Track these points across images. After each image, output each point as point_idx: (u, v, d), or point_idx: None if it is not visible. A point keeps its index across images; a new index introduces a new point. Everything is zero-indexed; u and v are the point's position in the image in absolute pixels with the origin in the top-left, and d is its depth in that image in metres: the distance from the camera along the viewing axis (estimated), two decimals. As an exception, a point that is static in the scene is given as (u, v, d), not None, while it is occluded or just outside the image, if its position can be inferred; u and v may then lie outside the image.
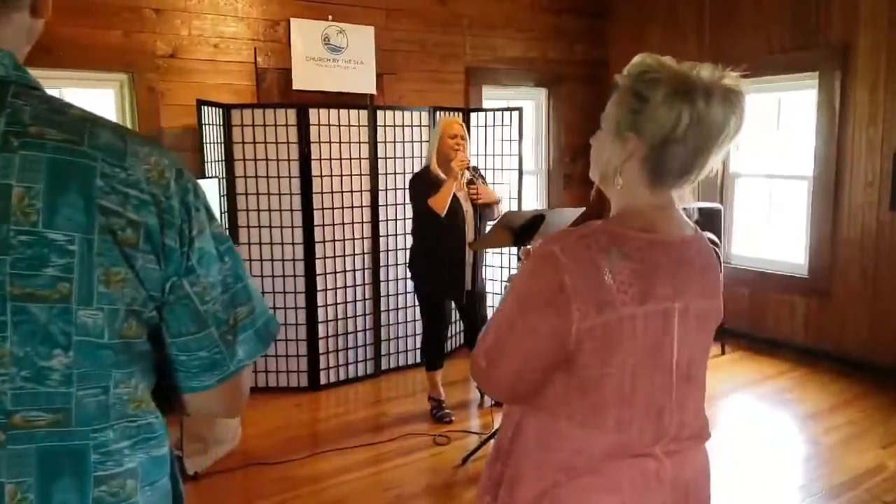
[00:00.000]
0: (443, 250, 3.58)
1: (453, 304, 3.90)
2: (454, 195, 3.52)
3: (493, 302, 4.57)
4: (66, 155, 0.71)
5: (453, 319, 4.24)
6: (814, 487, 3.02)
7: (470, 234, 3.63)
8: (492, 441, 3.21)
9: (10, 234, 0.68)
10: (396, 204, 4.38)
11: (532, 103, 5.73)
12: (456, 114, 4.55)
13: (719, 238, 4.53)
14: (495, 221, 3.26)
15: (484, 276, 3.91)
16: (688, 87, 1.03)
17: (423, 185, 3.55)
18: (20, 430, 0.70)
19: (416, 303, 4.50)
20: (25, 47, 0.80)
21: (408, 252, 4.27)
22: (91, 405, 0.73)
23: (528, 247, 1.21)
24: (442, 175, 3.53)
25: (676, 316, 1.09)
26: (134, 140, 0.77)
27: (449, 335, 4.24)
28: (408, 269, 3.95)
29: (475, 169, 3.69)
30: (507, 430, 1.21)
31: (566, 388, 1.10)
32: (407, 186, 3.86)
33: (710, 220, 4.34)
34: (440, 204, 3.44)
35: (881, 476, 3.09)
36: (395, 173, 4.35)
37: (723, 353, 4.73)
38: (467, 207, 3.62)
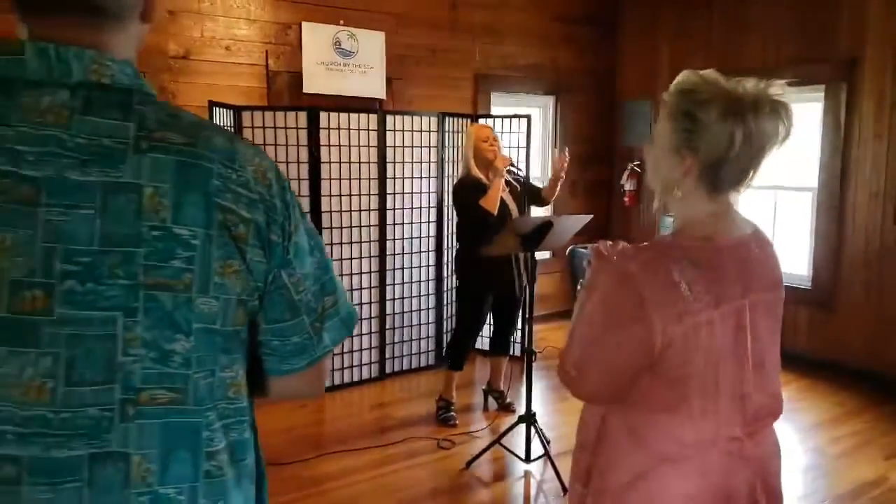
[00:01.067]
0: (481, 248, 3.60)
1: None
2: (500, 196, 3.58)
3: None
4: (188, 157, 0.78)
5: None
6: (816, 498, 3.04)
7: None
8: (495, 446, 3.25)
9: (143, 229, 0.75)
10: (404, 208, 4.41)
11: (540, 110, 5.76)
12: (465, 120, 4.58)
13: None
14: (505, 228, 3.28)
15: (535, 276, 3.92)
16: (737, 106, 1.10)
17: (469, 189, 3.61)
18: (146, 406, 0.77)
19: (423, 306, 4.55)
20: (136, 52, 0.86)
21: (416, 257, 4.31)
22: (203, 387, 0.80)
23: (597, 246, 1.27)
24: (483, 178, 3.60)
25: (748, 311, 1.18)
26: (240, 143, 0.84)
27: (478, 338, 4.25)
28: (454, 274, 4.02)
29: (513, 165, 3.75)
30: (591, 423, 1.31)
31: (651, 385, 1.18)
32: (451, 194, 3.93)
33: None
34: (492, 203, 3.50)
35: (884, 487, 3.11)
36: (403, 178, 4.38)
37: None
38: (512, 206, 3.67)
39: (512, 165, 3.72)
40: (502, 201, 3.58)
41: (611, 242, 1.35)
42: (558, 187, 3.76)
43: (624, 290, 1.14)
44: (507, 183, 3.64)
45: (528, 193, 3.82)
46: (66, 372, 0.73)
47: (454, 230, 4.40)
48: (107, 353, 0.74)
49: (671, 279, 1.11)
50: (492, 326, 4.02)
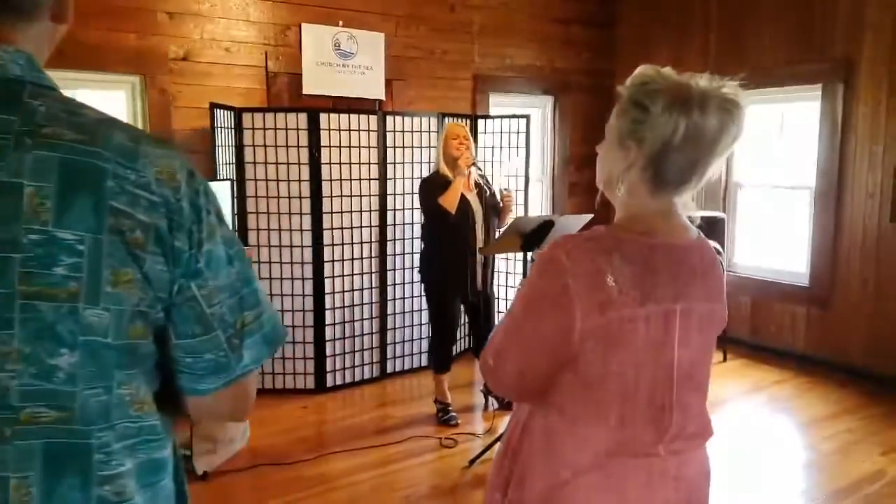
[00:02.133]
0: (452, 249, 3.64)
1: (462, 309, 3.94)
2: (464, 196, 3.60)
3: (501, 308, 4.62)
4: (79, 155, 0.72)
5: (461, 323, 4.27)
6: (813, 493, 3.07)
7: (479, 234, 3.69)
8: (496, 445, 3.26)
9: (21, 232, 0.69)
10: (405, 209, 4.43)
11: (538, 111, 5.78)
12: (463, 121, 4.60)
13: (722, 246, 4.58)
14: (506, 227, 3.31)
15: (493, 279, 3.95)
16: (685, 98, 1.07)
17: (432, 186, 3.64)
18: (26, 426, 0.71)
19: (424, 306, 4.56)
20: (46, 51, 0.81)
21: (417, 257, 4.33)
22: (94, 405, 0.73)
23: (542, 250, 1.26)
24: (450, 176, 3.62)
25: (678, 317, 1.13)
26: (146, 142, 0.77)
27: (457, 337, 4.28)
28: (418, 273, 4.00)
29: (482, 176, 3.76)
30: (514, 428, 1.26)
31: (570, 386, 1.14)
32: (416, 190, 3.92)
33: (713, 229, 4.38)
34: (450, 201, 3.52)
35: (880, 483, 3.13)
36: (403, 178, 4.40)
37: (724, 360, 4.78)
38: (476, 208, 3.69)
39: (481, 178, 3.73)
40: (465, 201, 3.59)
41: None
42: (507, 219, 3.79)
43: (548, 276, 1.11)
44: (477, 185, 3.66)
45: (492, 203, 3.81)
46: None
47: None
48: None
49: (597, 267, 1.07)
50: (468, 329, 4.02)
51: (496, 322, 4.01)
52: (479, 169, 3.77)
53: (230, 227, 0.84)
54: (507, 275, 4.81)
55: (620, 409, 1.12)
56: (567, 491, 1.14)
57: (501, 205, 3.82)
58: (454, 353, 4.09)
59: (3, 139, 0.70)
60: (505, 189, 3.88)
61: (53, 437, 0.71)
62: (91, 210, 0.71)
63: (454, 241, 3.62)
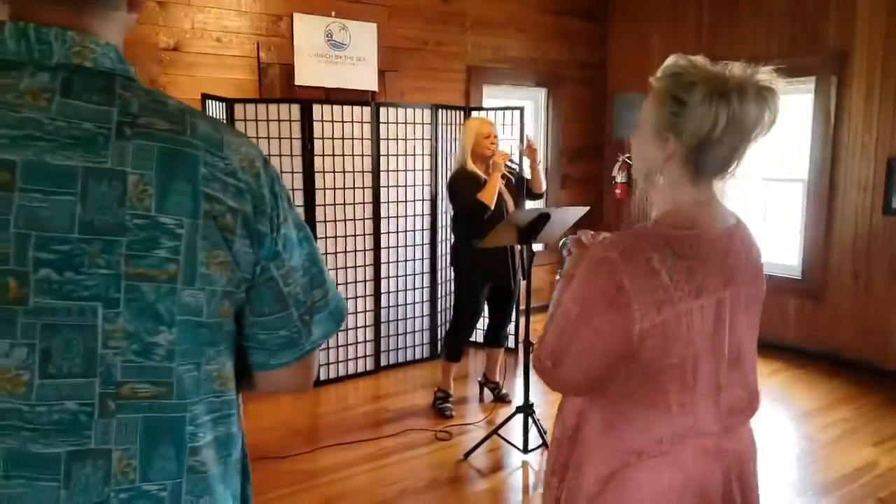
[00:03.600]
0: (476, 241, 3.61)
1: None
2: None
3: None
4: (173, 144, 0.75)
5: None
6: (807, 484, 3.09)
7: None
8: (492, 437, 3.27)
9: (126, 217, 0.72)
10: (398, 201, 4.40)
11: (531, 103, 5.77)
12: (459, 112, 4.58)
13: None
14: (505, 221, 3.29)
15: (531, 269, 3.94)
16: (723, 89, 1.08)
17: (466, 183, 3.62)
18: (128, 401, 0.74)
19: (418, 299, 4.55)
20: (122, 40, 0.83)
21: (411, 250, 4.30)
22: (188, 380, 0.78)
23: (579, 235, 1.26)
24: (479, 172, 3.62)
25: (728, 304, 1.16)
26: (227, 131, 0.82)
27: (474, 330, 4.26)
28: (451, 267, 4.02)
29: (510, 160, 3.78)
30: (568, 417, 1.29)
31: (629, 377, 1.16)
32: (446, 188, 3.93)
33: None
34: (489, 197, 3.52)
35: (873, 473, 3.16)
36: (397, 170, 4.37)
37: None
38: (507, 197, 3.70)
39: (511, 161, 3.75)
40: (499, 195, 3.60)
41: (592, 232, 1.33)
42: (541, 176, 3.80)
43: (603, 277, 1.12)
44: (503, 176, 3.67)
45: (522, 187, 3.83)
46: (42, 364, 0.71)
47: (448, 223, 4.40)
48: (86, 345, 0.72)
49: (651, 267, 1.09)
50: (487, 319, 4.04)
51: (512, 310, 4.03)
52: (511, 160, 3.77)
53: (298, 213, 0.89)
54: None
55: (679, 396, 1.15)
56: (625, 474, 1.17)
57: (530, 173, 3.81)
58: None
59: (105, 128, 0.73)
60: (528, 139, 3.91)
61: (152, 412, 0.75)
62: (188, 196, 0.75)
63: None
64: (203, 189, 0.76)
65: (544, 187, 3.88)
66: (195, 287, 0.76)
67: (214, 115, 3.83)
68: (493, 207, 3.52)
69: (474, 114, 4.50)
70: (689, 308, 1.11)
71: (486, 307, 3.95)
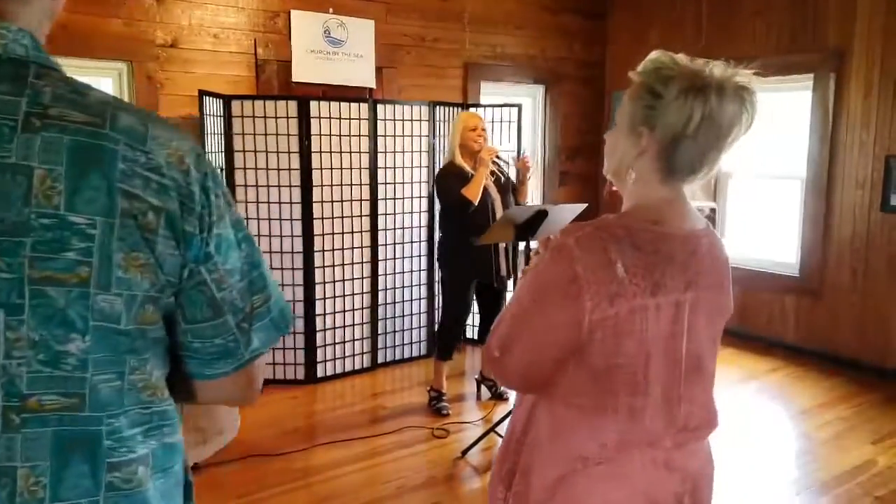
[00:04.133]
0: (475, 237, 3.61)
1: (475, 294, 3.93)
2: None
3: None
4: (88, 137, 0.70)
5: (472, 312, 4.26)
6: (805, 483, 3.08)
7: None
8: (489, 434, 3.26)
9: (31, 216, 0.67)
10: (396, 198, 4.39)
11: (529, 100, 5.75)
12: (456, 109, 4.57)
13: (713, 237, 4.58)
14: (501, 217, 3.29)
15: (517, 265, 3.95)
16: (701, 84, 1.06)
17: (451, 177, 3.61)
18: (35, 414, 0.69)
19: (416, 296, 4.54)
20: (46, 27, 0.78)
21: (409, 246, 4.30)
22: (105, 391, 0.72)
23: (546, 236, 1.24)
24: (467, 167, 3.60)
25: (687, 308, 1.11)
26: (155, 124, 0.76)
27: (464, 328, 4.26)
28: (437, 262, 4.01)
29: (499, 157, 3.75)
30: (518, 421, 1.23)
31: (578, 376, 1.11)
32: (434, 182, 3.93)
33: (705, 219, 4.39)
34: (474, 193, 3.51)
35: (871, 471, 3.15)
36: (395, 167, 4.36)
37: (715, 350, 4.79)
38: (494, 195, 3.68)
39: (498, 157, 3.72)
40: (485, 190, 3.58)
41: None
42: (528, 189, 3.81)
43: (557, 265, 1.08)
44: (492, 173, 3.65)
45: (509, 186, 3.80)
46: None
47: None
48: None
49: (607, 257, 1.05)
50: (479, 316, 4.04)
51: (504, 306, 4.03)
52: (500, 157, 3.75)
53: (237, 211, 0.83)
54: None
55: (629, 400, 1.10)
56: (574, 482, 1.12)
57: (519, 177, 3.79)
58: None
59: (10, 120, 0.68)
60: (524, 154, 3.93)
61: (62, 425, 0.70)
62: (104, 193, 0.69)
63: (475, 230, 3.59)
64: (120, 185, 0.70)
65: (529, 200, 3.87)
66: (111, 292, 0.70)
67: (212, 112, 3.84)
68: (476, 203, 3.51)
69: (471, 110, 4.49)
70: (644, 304, 1.07)
71: (476, 304, 3.94)
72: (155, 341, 0.76)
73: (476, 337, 4.62)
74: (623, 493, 1.12)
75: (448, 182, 3.62)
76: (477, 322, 4.14)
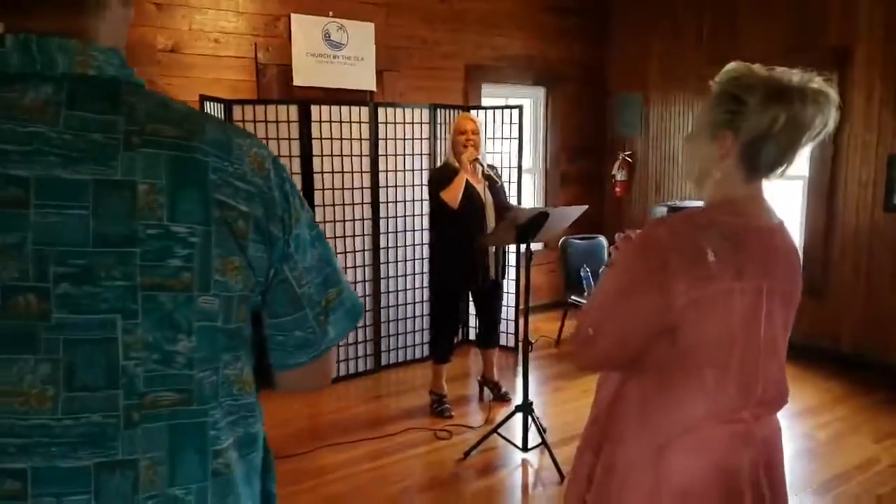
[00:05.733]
0: (459, 241, 3.63)
1: (470, 297, 3.93)
2: (472, 188, 3.59)
3: (507, 302, 4.58)
4: (181, 151, 0.75)
5: (464, 314, 4.28)
6: (808, 481, 3.08)
7: (491, 225, 3.67)
8: (492, 436, 3.27)
9: (139, 228, 0.72)
10: (397, 201, 4.40)
11: (530, 102, 5.76)
12: (458, 112, 4.58)
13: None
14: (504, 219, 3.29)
15: (505, 268, 3.95)
16: (783, 91, 1.15)
17: (439, 179, 3.63)
18: (151, 410, 0.75)
19: (419, 299, 4.55)
20: (124, 37, 0.82)
21: (411, 249, 4.32)
22: (207, 386, 0.78)
23: (627, 233, 1.30)
24: (459, 168, 3.61)
25: (765, 295, 1.20)
26: (235, 133, 0.81)
27: (459, 329, 4.28)
28: (428, 264, 4.02)
29: (491, 167, 3.74)
30: (605, 395, 1.33)
31: (667, 352, 1.20)
32: (409, 182, 3.91)
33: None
34: (451, 196, 3.51)
35: (874, 470, 3.15)
36: (395, 170, 4.37)
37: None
38: (487, 199, 3.67)
39: (491, 169, 3.69)
40: (475, 194, 3.59)
41: (639, 231, 1.36)
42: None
43: (649, 252, 1.17)
44: (488, 178, 3.64)
45: (503, 197, 3.79)
46: (67, 378, 0.71)
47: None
48: (108, 358, 0.72)
49: (697, 244, 1.14)
50: (476, 319, 4.04)
51: (501, 311, 4.04)
52: (487, 165, 3.71)
53: (310, 211, 0.89)
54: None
55: (715, 375, 1.19)
56: (659, 453, 1.21)
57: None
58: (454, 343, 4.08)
59: (113, 138, 0.73)
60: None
61: (175, 419, 0.76)
62: (200, 203, 0.75)
63: (462, 233, 3.61)
64: (214, 195, 0.76)
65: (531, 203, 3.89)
66: (210, 294, 0.76)
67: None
68: (454, 206, 3.51)
69: (472, 112, 4.49)
70: (731, 288, 1.16)
71: (473, 307, 3.94)
72: (245, 338, 0.83)
73: (477, 340, 4.62)
74: (707, 461, 1.21)
75: (433, 182, 3.66)
76: (476, 324, 4.13)
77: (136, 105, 0.75)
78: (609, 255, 1.41)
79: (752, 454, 1.24)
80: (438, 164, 4.53)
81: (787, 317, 1.28)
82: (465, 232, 3.59)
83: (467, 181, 3.56)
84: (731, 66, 1.22)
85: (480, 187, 3.64)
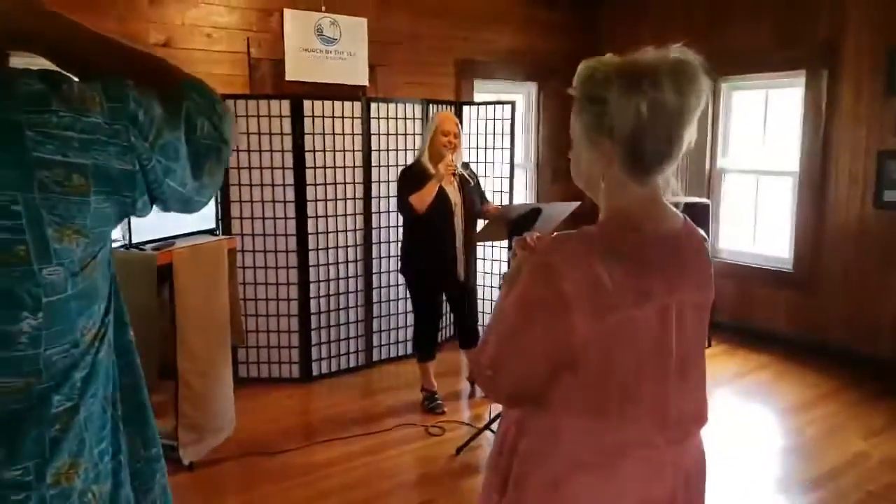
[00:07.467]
0: (431, 242, 3.61)
1: (444, 297, 3.94)
2: (442, 189, 3.55)
3: (484, 295, 4.61)
4: None
5: (444, 311, 4.27)
6: (799, 477, 3.10)
7: (459, 226, 3.66)
8: (485, 432, 3.27)
9: None
10: (389, 196, 4.39)
11: (521, 97, 5.76)
12: (449, 107, 4.57)
13: (707, 232, 4.59)
14: (495, 214, 3.29)
15: (475, 269, 3.95)
16: (637, 75, 1.04)
17: (409, 179, 3.57)
18: None
19: (408, 295, 4.55)
20: None
21: (399, 247, 4.31)
22: (59, 363, 0.73)
23: (524, 236, 1.24)
24: (432, 169, 3.55)
25: (674, 310, 1.12)
26: (62, 81, 0.73)
27: (440, 326, 4.28)
28: (399, 263, 3.97)
29: (465, 165, 3.72)
30: (508, 428, 1.23)
31: (569, 386, 1.11)
32: (397, 179, 3.89)
33: (698, 215, 4.38)
34: (420, 202, 3.47)
35: (864, 466, 3.18)
36: (387, 165, 4.36)
37: (709, 345, 4.81)
38: (456, 199, 3.65)
39: (465, 168, 3.66)
40: (445, 195, 3.55)
41: (537, 234, 1.28)
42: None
43: (544, 283, 1.07)
44: (461, 178, 3.61)
45: (476, 196, 3.77)
46: None
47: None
48: None
49: (594, 272, 1.04)
50: (453, 315, 4.03)
51: (479, 312, 4.04)
52: (465, 165, 3.70)
53: (170, 116, 0.82)
54: (491, 262, 4.80)
55: (620, 405, 1.11)
56: (566, 486, 1.13)
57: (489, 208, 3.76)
58: (439, 341, 4.08)
59: None
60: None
61: (13, 405, 0.71)
62: (15, 167, 0.67)
63: (432, 234, 3.59)
64: (35, 155, 0.68)
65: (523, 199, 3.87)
66: (53, 264, 0.70)
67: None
68: (422, 211, 3.47)
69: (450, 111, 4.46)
70: (633, 315, 1.08)
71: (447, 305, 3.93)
72: (101, 288, 0.80)
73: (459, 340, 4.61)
74: (618, 494, 1.13)
75: (401, 184, 3.60)
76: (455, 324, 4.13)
77: None
78: (508, 262, 1.34)
79: (668, 484, 1.16)
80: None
81: (702, 327, 1.20)
82: (433, 234, 3.57)
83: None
84: (582, 65, 1.13)
85: (451, 188, 3.61)
